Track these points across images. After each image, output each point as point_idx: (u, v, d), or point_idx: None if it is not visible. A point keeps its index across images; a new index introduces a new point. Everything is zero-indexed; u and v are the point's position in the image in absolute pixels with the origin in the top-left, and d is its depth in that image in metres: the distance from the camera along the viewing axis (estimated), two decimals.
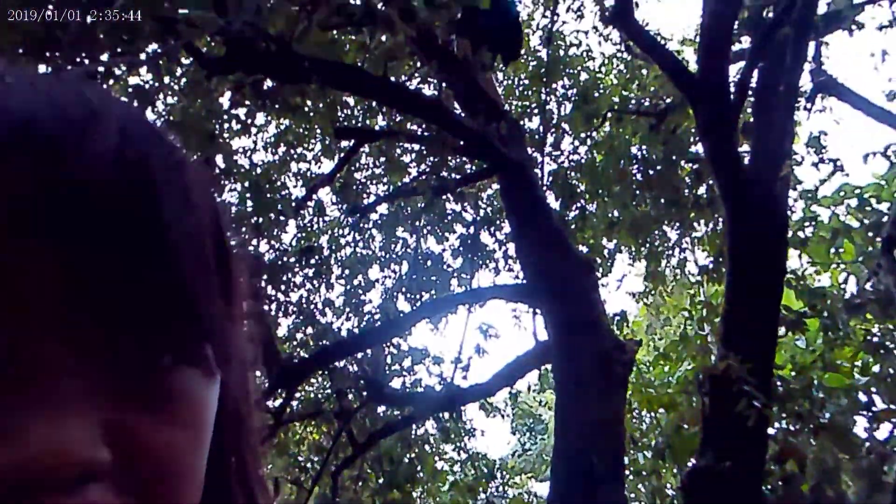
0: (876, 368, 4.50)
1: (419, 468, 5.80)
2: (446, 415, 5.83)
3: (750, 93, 3.94)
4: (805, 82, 5.21)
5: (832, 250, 5.77)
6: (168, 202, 0.30)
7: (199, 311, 0.30)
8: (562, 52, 6.58)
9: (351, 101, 6.07)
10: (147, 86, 4.51)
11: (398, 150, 6.30)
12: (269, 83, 4.87)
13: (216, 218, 0.36)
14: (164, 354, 0.30)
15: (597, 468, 2.96)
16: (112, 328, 0.28)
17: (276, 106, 5.11)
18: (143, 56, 4.06)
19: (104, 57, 3.63)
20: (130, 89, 4.26)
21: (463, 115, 4.57)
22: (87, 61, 3.47)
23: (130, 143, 0.30)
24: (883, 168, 5.74)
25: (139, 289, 0.28)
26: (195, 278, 0.30)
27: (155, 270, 0.28)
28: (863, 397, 4.04)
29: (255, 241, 5.05)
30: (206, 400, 0.32)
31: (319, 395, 6.17)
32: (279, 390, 4.80)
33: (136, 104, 4.20)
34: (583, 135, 6.35)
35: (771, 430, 2.94)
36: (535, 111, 6.48)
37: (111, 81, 4.12)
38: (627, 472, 4.49)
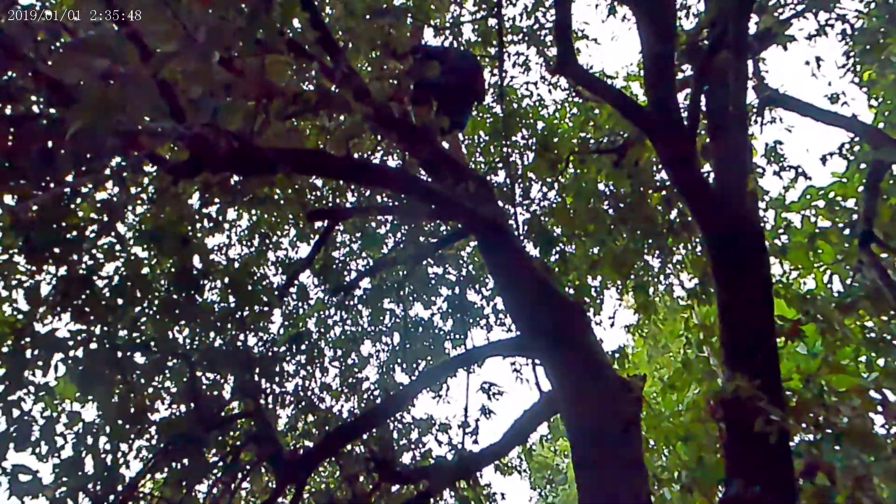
0: (881, 362, 4.49)
1: None
2: (463, 483, 5.64)
3: (702, 116, 4.07)
4: (752, 98, 5.43)
5: (811, 254, 5.85)
6: None
7: None
8: (515, 105, 6.78)
9: (319, 183, 6.14)
10: (115, 199, 4.52)
11: (372, 224, 6.34)
12: (235, 179, 4.92)
13: None
14: None
15: None
16: None
17: (246, 200, 5.16)
18: (107, 171, 4.08)
19: (69, 178, 3.65)
20: (98, 205, 4.26)
21: (429, 180, 4.63)
22: (52, 185, 3.48)
23: None
24: (841, 167, 5.92)
25: None
26: None
27: None
28: (874, 394, 4.01)
29: (241, 336, 4.97)
30: None
31: (331, 485, 5.95)
32: (288, 486, 4.62)
33: (106, 218, 4.20)
34: (549, 180, 6.47)
35: (791, 445, 2.89)
36: (500, 165, 6.61)
37: (78, 200, 4.12)
38: None
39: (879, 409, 3.42)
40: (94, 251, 3.97)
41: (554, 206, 6.44)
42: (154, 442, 4.25)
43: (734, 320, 2.97)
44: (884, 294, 3.75)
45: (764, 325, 2.94)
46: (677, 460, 5.20)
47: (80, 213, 4.09)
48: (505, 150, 6.33)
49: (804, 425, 2.82)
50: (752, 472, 2.52)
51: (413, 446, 5.72)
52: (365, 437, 5.05)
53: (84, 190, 4.15)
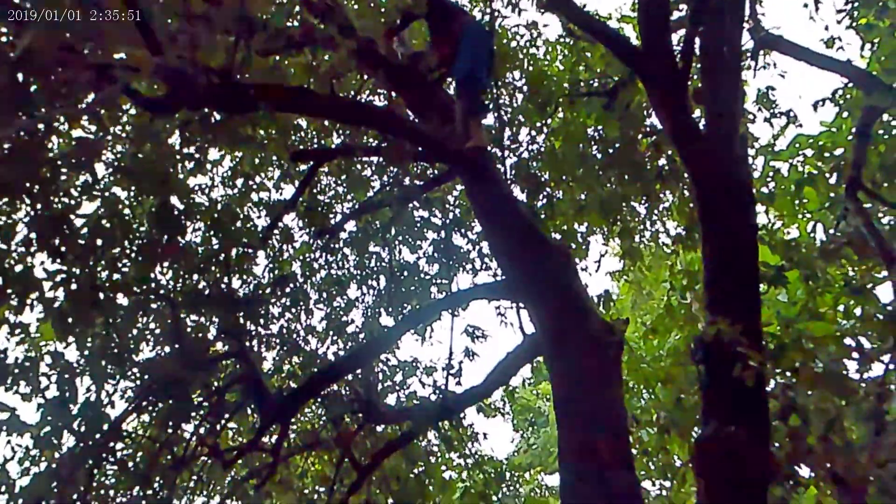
0: (857, 311, 4.56)
1: (427, 482, 5.72)
2: (446, 423, 5.76)
3: (695, 58, 3.97)
4: (746, 41, 5.30)
5: (796, 202, 5.86)
6: None
7: None
8: (506, 45, 6.57)
9: (303, 123, 5.98)
10: (92, 137, 4.37)
11: (357, 166, 6.23)
12: (216, 117, 4.77)
13: None
14: None
15: (603, 453, 2.92)
16: None
17: (227, 138, 5.02)
18: (81, 106, 3.93)
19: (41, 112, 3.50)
20: (74, 142, 4.13)
21: (416, 121, 4.52)
22: (24, 118, 3.35)
23: None
24: (831, 115, 5.85)
25: None
26: None
27: None
28: (849, 341, 4.09)
29: (225, 279, 4.93)
30: None
31: (315, 425, 6.05)
32: (273, 426, 4.68)
33: (82, 156, 4.07)
34: (538, 124, 6.35)
35: (768, 388, 2.94)
36: (489, 107, 6.46)
37: (54, 137, 3.98)
38: (634, 452, 4.48)
39: (855, 355, 3.49)
40: (70, 190, 3.86)
41: (542, 150, 6.35)
42: (139, 383, 4.26)
43: (719, 265, 2.97)
44: (867, 242, 3.77)
45: (748, 271, 2.95)
46: (656, 402, 5.33)
47: (56, 150, 3.96)
48: (494, 91, 6.19)
49: (780, 370, 2.87)
50: (728, 414, 2.57)
51: (397, 388, 5.80)
52: (350, 378, 5.10)
53: (58, 125, 4.00)
